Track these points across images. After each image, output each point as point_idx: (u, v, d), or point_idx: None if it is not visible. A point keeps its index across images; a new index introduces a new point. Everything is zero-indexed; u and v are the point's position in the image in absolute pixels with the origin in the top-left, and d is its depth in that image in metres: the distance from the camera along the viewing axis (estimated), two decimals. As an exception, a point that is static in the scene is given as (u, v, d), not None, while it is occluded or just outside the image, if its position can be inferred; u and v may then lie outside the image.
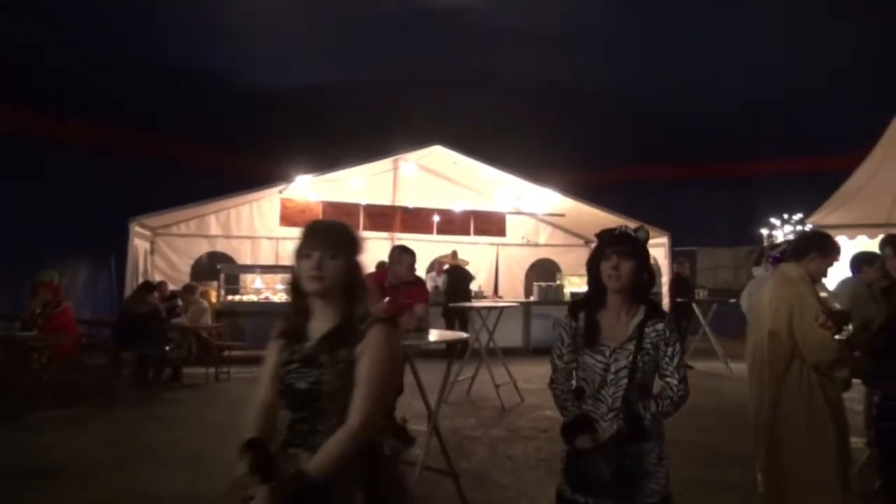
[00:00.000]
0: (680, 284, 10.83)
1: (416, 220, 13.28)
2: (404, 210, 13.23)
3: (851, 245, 9.36)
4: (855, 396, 5.93)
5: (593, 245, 2.60)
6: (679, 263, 11.40)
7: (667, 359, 2.45)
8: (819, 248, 3.50)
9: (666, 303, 11.91)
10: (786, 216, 11.86)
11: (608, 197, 13.69)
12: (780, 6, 16.04)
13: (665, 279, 12.41)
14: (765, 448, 3.44)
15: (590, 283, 2.55)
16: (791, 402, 3.32)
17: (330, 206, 12.62)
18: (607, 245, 2.48)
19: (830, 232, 9.56)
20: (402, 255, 4.96)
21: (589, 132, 18.88)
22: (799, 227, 11.03)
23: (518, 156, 13.41)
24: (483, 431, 6.68)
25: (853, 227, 10.07)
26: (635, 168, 19.23)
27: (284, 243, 12.91)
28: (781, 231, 11.69)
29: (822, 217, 11.00)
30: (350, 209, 12.77)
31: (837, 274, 6.10)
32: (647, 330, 2.43)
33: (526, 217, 14.51)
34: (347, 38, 16.62)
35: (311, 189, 12.45)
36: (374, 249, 12.79)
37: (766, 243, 11.52)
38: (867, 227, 9.82)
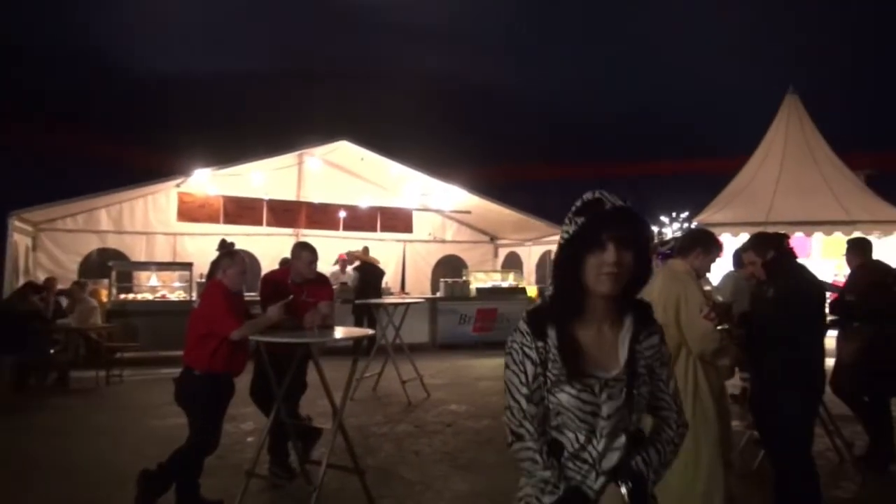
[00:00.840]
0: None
1: (321, 215, 13.08)
2: (309, 206, 13.00)
3: (734, 242, 10.04)
4: (737, 383, 6.38)
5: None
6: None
7: (661, 384, 1.77)
8: (703, 245, 3.76)
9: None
10: (674, 214, 12.55)
11: (514, 194, 14.02)
12: (675, 16, 16.91)
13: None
14: (655, 434, 3.62)
15: (563, 283, 1.66)
16: (678, 390, 3.52)
17: (231, 201, 12.23)
18: (601, 227, 1.59)
19: (715, 230, 10.22)
20: (301, 252, 4.85)
21: (495, 130, 19.25)
22: (686, 225, 11.69)
23: (425, 152, 13.51)
24: (389, 427, 6.68)
25: (736, 226, 10.79)
26: (539, 166, 19.79)
27: (182, 239, 12.39)
28: (671, 228, 12.35)
29: (708, 216, 11.73)
30: (252, 204, 12.42)
31: (721, 269, 6.55)
32: (638, 347, 1.68)
33: (433, 213, 14.61)
34: (250, 29, 16.16)
35: (211, 183, 12.01)
36: (279, 246, 12.55)
37: (656, 240, 12.15)
38: (748, 225, 10.55)
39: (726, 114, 16.94)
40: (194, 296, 10.68)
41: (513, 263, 15.03)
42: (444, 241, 15.15)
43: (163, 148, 14.99)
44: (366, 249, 12.31)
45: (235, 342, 4.19)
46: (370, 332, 5.89)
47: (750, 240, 4.10)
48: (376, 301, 9.23)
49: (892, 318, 5.47)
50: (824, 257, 11.77)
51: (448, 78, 19.49)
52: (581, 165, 19.67)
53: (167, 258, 12.27)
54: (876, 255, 5.98)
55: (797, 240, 9.86)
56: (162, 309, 10.44)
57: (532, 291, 13.35)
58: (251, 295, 7.97)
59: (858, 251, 5.85)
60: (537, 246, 14.64)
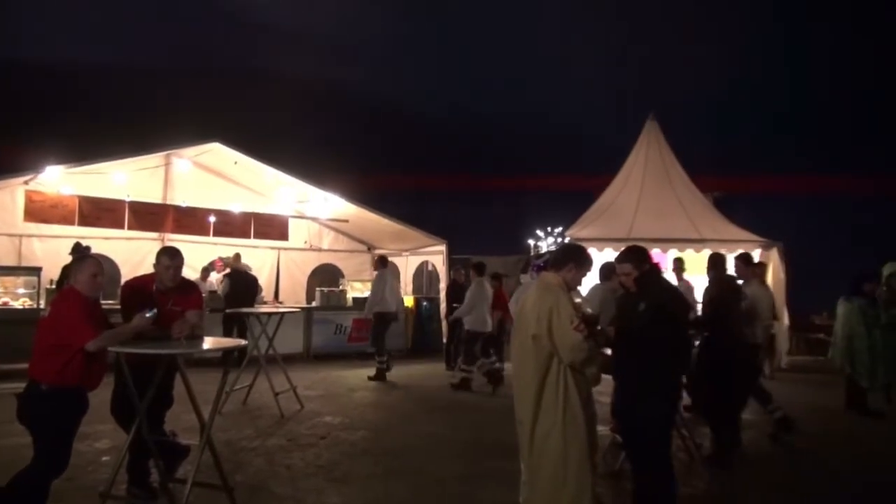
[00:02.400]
0: (456, 290, 11.40)
1: (190, 220, 12.43)
2: (177, 209, 12.32)
3: (600, 256, 10.60)
4: (603, 390, 6.71)
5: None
6: (455, 270, 12.00)
7: None
8: (576, 259, 3.94)
9: (443, 308, 12.49)
10: (549, 229, 13.10)
11: (392, 204, 14.03)
12: (552, 34, 17.72)
13: (443, 285, 13.02)
14: (527, 439, 3.76)
15: None
16: (550, 397, 3.68)
17: (88, 202, 11.33)
18: None
19: (583, 244, 10.74)
20: (160, 257, 4.56)
21: (375, 139, 19.22)
22: (560, 239, 12.22)
23: (303, 159, 13.22)
24: (260, 441, 6.44)
25: (601, 241, 11.40)
26: (418, 177, 19.96)
27: (30, 241, 11.31)
28: (545, 242, 12.87)
29: (577, 231, 12.33)
30: (113, 206, 11.58)
31: (589, 281, 6.90)
32: None
33: (309, 221, 14.31)
34: (126, 18, 15.14)
35: (65, 181, 11.07)
36: (142, 250, 11.77)
37: (532, 253, 12.64)
38: (612, 241, 11.19)
39: (595, 134, 17.95)
40: (42, 303, 9.79)
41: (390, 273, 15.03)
42: (320, 250, 14.87)
43: (8, 141, 13.64)
44: (237, 256, 11.84)
45: (91, 354, 3.88)
46: (242, 342, 5.65)
47: (626, 252, 4.29)
48: (248, 310, 8.88)
49: (729, 329, 6.01)
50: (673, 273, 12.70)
51: (330, 85, 19.24)
52: (460, 178, 20.05)
53: (11, 262, 11.13)
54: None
55: (655, 256, 10.58)
56: (4, 318, 9.46)
57: (409, 301, 13.41)
58: (110, 303, 7.42)
59: (714, 266, 6.37)
60: (415, 256, 14.75)
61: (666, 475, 4.07)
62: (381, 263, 10.66)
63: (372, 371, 10.26)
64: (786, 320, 11.75)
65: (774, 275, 11.45)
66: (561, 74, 19.21)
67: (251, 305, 10.16)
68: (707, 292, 6.30)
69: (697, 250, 10.65)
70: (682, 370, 4.19)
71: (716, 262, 6.40)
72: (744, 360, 6.23)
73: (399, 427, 7.28)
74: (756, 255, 11.66)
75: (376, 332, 10.23)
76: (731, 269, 6.80)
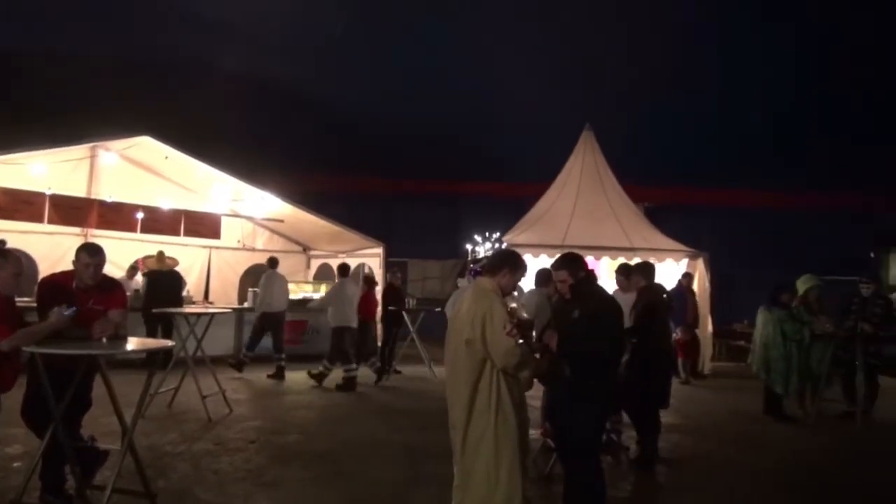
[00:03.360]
0: (392, 294, 11.36)
1: (115, 215, 11.94)
2: (102, 204, 11.81)
3: (536, 262, 10.77)
4: (534, 394, 6.80)
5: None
6: (392, 273, 11.95)
7: None
8: (511, 265, 3.99)
9: (379, 311, 12.40)
10: (487, 234, 13.21)
11: (329, 205, 13.85)
12: (492, 41, 17.92)
13: (379, 288, 12.93)
14: (460, 443, 3.77)
15: None
16: (483, 401, 3.70)
17: (4, 194, 10.71)
18: None
19: (519, 250, 10.85)
20: (79, 254, 4.36)
21: (315, 139, 18.96)
22: (497, 245, 12.34)
23: (239, 156, 12.91)
24: (186, 446, 6.23)
25: (537, 247, 11.57)
26: (357, 179, 19.78)
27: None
28: (483, 247, 12.97)
29: (514, 236, 12.48)
30: (31, 198, 11.00)
31: (525, 286, 6.99)
32: None
33: (243, 220, 13.98)
34: (59, 3, 14.42)
35: (-21, 171, 10.45)
36: (63, 246, 11.23)
37: (469, 258, 12.73)
38: (547, 248, 11.37)
39: (532, 143, 18.23)
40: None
41: (326, 275, 14.83)
42: (253, 250, 14.53)
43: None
44: (160, 254, 11.45)
45: (3, 353, 3.66)
46: (168, 343, 5.46)
47: (562, 259, 4.35)
48: (176, 310, 8.59)
49: (656, 335, 6.21)
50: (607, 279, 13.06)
51: (270, 84, 18.88)
52: (399, 181, 19.99)
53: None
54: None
55: (589, 263, 10.82)
56: None
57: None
58: (25, 300, 7.04)
59: (643, 274, 6.54)
60: (352, 258, 14.59)
61: (595, 478, 4.16)
62: (341, 272, 10.60)
63: (303, 374, 10.12)
64: (709, 327, 12.21)
65: (700, 284, 11.90)
66: (500, 82, 19.45)
67: (174, 305, 9.80)
68: (638, 300, 6.46)
69: (628, 258, 10.93)
70: (614, 376, 4.29)
71: (645, 270, 6.58)
72: (667, 364, 6.44)
73: (332, 430, 7.18)
74: (683, 264, 12.13)
75: (337, 346, 10.06)
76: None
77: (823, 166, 19.40)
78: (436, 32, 20.29)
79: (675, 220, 15.46)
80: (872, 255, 15.32)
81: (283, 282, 11.10)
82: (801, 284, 8.65)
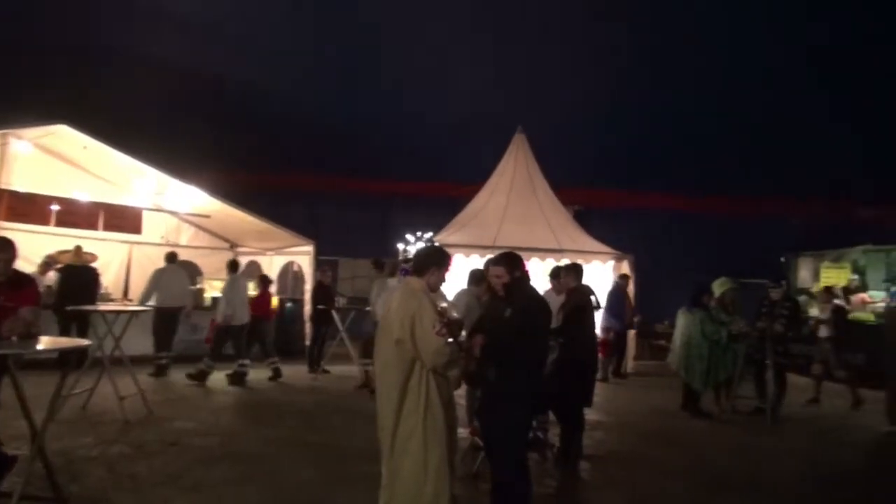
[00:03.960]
0: (321, 292, 11.21)
1: (28, 207, 11.29)
2: (13, 195, 11.14)
3: (468, 262, 10.86)
4: (462, 393, 6.87)
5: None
6: (322, 272, 11.80)
7: None
8: (436, 262, 4.03)
9: (308, 310, 12.23)
10: (418, 233, 13.21)
11: (259, 202, 13.54)
12: (427, 41, 17.93)
13: (308, 286, 12.75)
14: (388, 442, 3.77)
15: None
16: (412, 400, 3.72)
17: None
18: None
19: (451, 250, 10.90)
20: None
21: (244, 134, 18.50)
22: (429, 244, 12.36)
23: (164, 149, 12.44)
24: (101, 450, 5.97)
25: (468, 247, 11.67)
26: (288, 176, 19.42)
27: None
28: (414, 247, 12.95)
29: (446, 236, 12.55)
30: (-67, 187, 10.30)
31: (455, 286, 7.04)
32: None
33: (167, 215, 13.48)
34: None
35: None
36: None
37: (400, 257, 12.70)
38: (479, 248, 11.49)
39: (466, 143, 18.37)
40: None
41: (253, 273, 14.51)
42: (177, 245, 14.04)
43: None
44: (77, 249, 10.92)
45: None
46: (83, 342, 5.22)
47: (502, 255, 4.39)
48: (92, 308, 8.20)
49: (583, 335, 6.37)
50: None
51: (199, 75, 18.29)
52: (331, 178, 19.73)
53: None
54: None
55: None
56: None
57: (272, 302, 13.01)
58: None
59: (574, 275, 6.69)
60: (280, 256, 14.32)
61: (522, 476, 4.22)
62: (231, 268, 10.41)
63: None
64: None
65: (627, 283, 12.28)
66: (435, 82, 19.51)
67: (90, 302, 9.36)
68: (566, 301, 6.60)
69: (557, 259, 11.18)
70: (541, 376, 4.37)
71: (576, 271, 6.74)
72: (592, 364, 6.62)
73: (256, 432, 7.03)
74: (609, 266, 12.49)
75: (221, 344, 10.01)
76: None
77: (741, 175, 20.37)
78: (370, 30, 20.17)
79: (603, 223, 15.90)
80: (783, 259, 16.16)
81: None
82: (717, 287, 9.06)
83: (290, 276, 14.82)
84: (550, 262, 11.02)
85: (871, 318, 12.40)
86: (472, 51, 20.15)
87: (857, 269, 14.57)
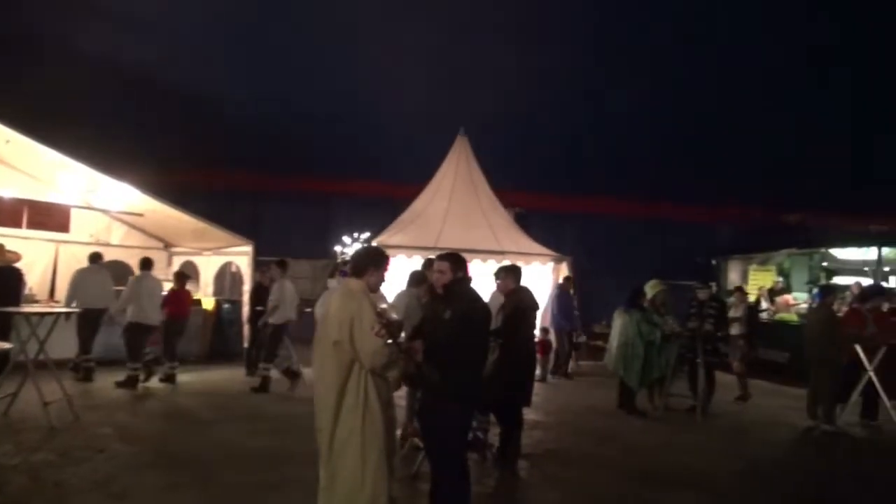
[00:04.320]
0: (261, 293, 11.00)
1: (-55, 203, 10.69)
2: (-72, 190, 10.54)
3: (410, 263, 10.85)
4: (401, 393, 6.86)
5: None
6: (261, 272, 11.59)
7: None
8: (374, 262, 4.02)
9: (246, 311, 11.98)
10: (357, 234, 13.12)
11: (195, 200, 13.18)
12: (368, 41, 17.82)
13: (246, 287, 12.50)
14: (327, 444, 3.73)
15: None
16: (350, 403, 3.70)
17: None
18: None
19: (392, 251, 10.90)
20: None
21: (180, 131, 18.00)
22: (367, 245, 12.29)
23: (96, 144, 11.97)
24: (23, 457, 5.70)
25: (410, 249, 11.66)
26: (226, 174, 18.97)
27: None
28: (352, 248, 12.86)
29: (387, 238, 12.51)
30: None
31: (398, 287, 7.02)
32: None
33: (98, 213, 12.97)
34: None
35: None
36: None
37: (339, 258, 12.59)
38: (420, 249, 11.49)
39: (408, 144, 18.35)
40: None
41: (191, 274, 14.12)
42: (108, 245, 13.52)
43: None
44: (0, 248, 10.39)
45: None
46: (5, 345, 4.98)
47: (448, 254, 4.40)
48: (14, 309, 7.80)
49: (523, 335, 6.45)
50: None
51: (134, 69, 17.69)
52: (271, 177, 19.37)
53: None
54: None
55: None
56: None
57: (209, 303, 12.70)
58: None
59: (514, 277, 6.75)
60: (217, 256, 13.98)
61: (461, 476, 4.25)
62: (141, 266, 10.14)
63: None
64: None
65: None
66: (377, 82, 19.43)
67: (13, 304, 8.91)
68: (506, 302, 6.66)
69: (498, 261, 11.29)
70: (480, 377, 4.41)
71: (515, 273, 6.81)
72: (531, 364, 6.72)
73: (190, 436, 6.84)
74: (549, 268, 12.70)
75: (134, 345, 9.62)
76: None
77: (676, 181, 21.04)
78: (312, 29, 19.94)
79: (543, 226, 16.15)
80: (714, 262, 16.78)
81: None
82: (649, 289, 9.35)
83: (228, 276, 14.48)
84: (492, 264, 11.12)
85: (795, 318, 13.00)
86: (415, 51, 20.17)
87: (782, 272, 15.27)
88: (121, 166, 11.75)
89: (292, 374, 9.67)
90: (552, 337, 12.17)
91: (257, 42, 19.25)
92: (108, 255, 13.41)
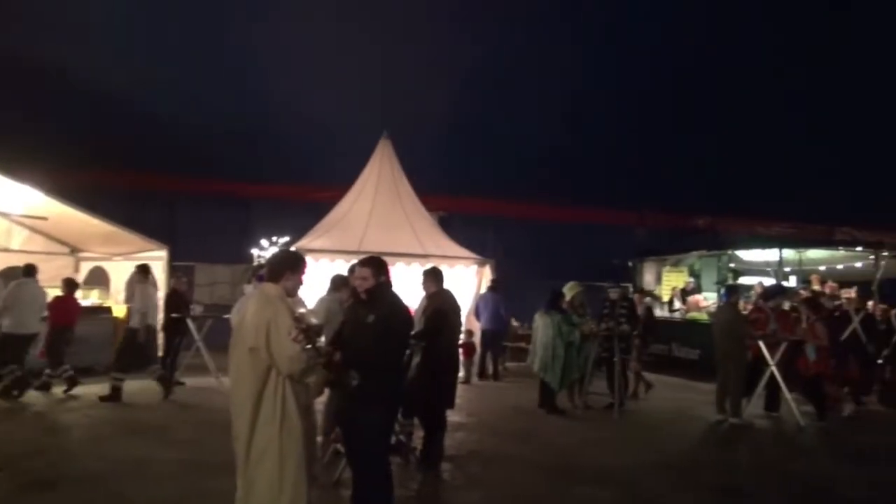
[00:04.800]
0: (176, 300, 10.60)
1: None
2: None
3: (332, 267, 10.70)
4: (321, 399, 6.76)
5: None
6: (177, 278, 11.16)
7: None
8: (290, 266, 3.94)
9: (160, 318, 11.52)
10: (275, 238, 12.85)
11: (105, 203, 12.55)
12: (291, 45, 17.50)
13: (161, 294, 12.01)
14: (244, 453, 3.63)
15: None
16: (268, 410, 3.62)
17: None
18: None
19: (314, 255, 10.75)
20: None
21: (90, 130, 17.15)
22: (283, 249, 12.05)
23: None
24: None
25: (332, 252, 11.52)
26: (138, 176, 18.15)
27: None
28: (270, 252, 12.57)
29: (308, 242, 12.30)
30: None
31: (320, 292, 6.91)
32: None
33: (-4, 216, 12.15)
34: None
35: None
36: None
37: (255, 263, 12.27)
38: (343, 253, 11.36)
39: (331, 147, 18.13)
40: None
41: (98, 280, 13.43)
42: (8, 251, 12.70)
43: None
44: None
45: None
46: None
47: (369, 258, 4.37)
48: None
49: (445, 338, 6.48)
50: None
51: (42, 66, 16.72)
52: (186, 179, 18.67)
53: None
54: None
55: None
56: None
57: (120, 311, 12.12)
58: None
59: (435, 280, 6.76)
60: (129, 261, 13.33)
61: (383, 480, 4.22)
62: (27, 272, 9.67)
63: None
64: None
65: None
66: (300, 83, 19.11)
67: None
68: (428, 305, 6.66)
69: (422, 264, 11.31)
70: (402, 381, 4.40)
71: (436, 276, 6.83)
72: (454, 366, 6.76)
73: (98, 451, 6.50)
74: (472, 271, 12.81)
75: (14, 356, 9.10)
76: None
77: (593, 186, 21.68)
78: (232, 28, 19.44)
79: (466, 229, 16.28)
80: (630, 264, 17.36)
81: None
82: (568, 291, 9.60)
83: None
84: (416, 268, 11.15)
85: (705, 317, 13.62)
86: (339, 54, 19.98)
87: (693, 273, 15.97)
88: (22, 166, 11.05)
89: (166, 382, 9.39)
90: (476, 339, 12.30)
91: (176, 41, 18.58)
92: (8, 261, 12.64)
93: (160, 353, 10.75)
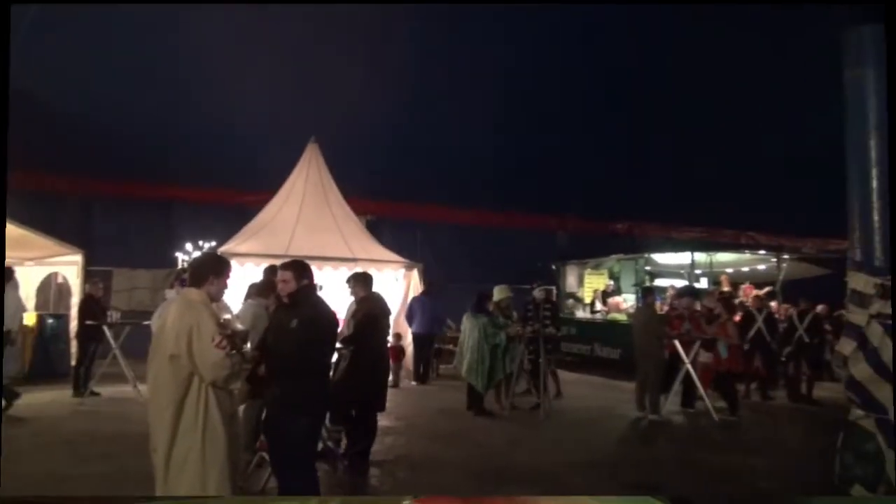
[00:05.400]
0: (91, 305, 10.17)
1: None
2: None
3: (258, 272, 10.50)
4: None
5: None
6: (92, 283, 10.72)
7: None
8: (214, 270, 3.87)
9: (74, 325, 11.03)
10: (200, 242, 12.51)
11: (15, 205, 11.86)
12: (218, 47, 17.04)
13: (75, 300, 11.50)
14: (162, 465, 3.56)
15: None
16: (189, 419, 3.55)
17: None
18: None
19: (240, 259, 10.54)
20: None
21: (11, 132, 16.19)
22: (206, 252, 11.77)
23: None
24: None
25: (259, 256, 11.31)
26: (51, 177, 17.28)
27: None
28: (192, 257, 12.25)
29: (235, 245, 12.05)
30: None
31: (241, 297, 6.80)
32: None
33: None
34: None
35: None
36: None
37: (179, 267, 11.93)
38: (270, 257, 11.15)
39: (257, 150, 17.79)
40: None
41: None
42: None
43: None
44: None
45: None
46: None
47: (292, 262, 4.35)
48: None
49: (375, 341, 6.52)
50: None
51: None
52: (103, 181, 17.91)
53: None
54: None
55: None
56: None
57: (31, 318, 11.53)
58: None
59: (364, 284, 6.77)
60: (41, 266, 12.70)
61: (309, 487, 4.21)
62: None
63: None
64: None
65: (415, 291, 12.72)
66: (225, 86, 18.65)
67: None
68: (357, 309, 6.67)
69: (350, 268, 11.26)
70: (327, 386, 4.40)
71: (365, 280, 6.84)
72: (384, 370, 6.79)
73: (5, 468, 6.15)
74: (400, 274, 12.85)
75: None
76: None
77: (518, 192, 22.11)
78: (156, 28, 18.77)
79: (395, 233, 16.32)
80: (554, 267, 17.78)
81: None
82: (497, 293, 9.79)
83: (54, 288, 13.25)
84: (344, 271, 11.10)
85: (625, 318, 14.13)
86: (268, 56, 19.60)
87: (613, 275, 16.52)
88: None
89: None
90: (405, 343, 12.35)
91: (96, 40, 17.79)
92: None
93: (73, 363, 10.30)
